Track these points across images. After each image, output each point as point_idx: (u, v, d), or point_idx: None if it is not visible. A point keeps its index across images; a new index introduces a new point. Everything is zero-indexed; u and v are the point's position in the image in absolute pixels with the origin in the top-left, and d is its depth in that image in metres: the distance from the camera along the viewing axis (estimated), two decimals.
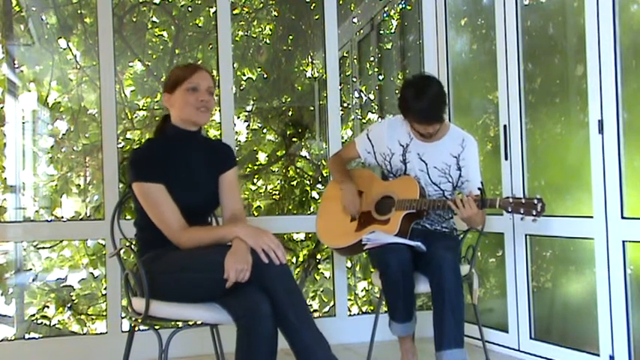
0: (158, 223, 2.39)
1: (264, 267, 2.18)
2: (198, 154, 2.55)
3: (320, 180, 4.76)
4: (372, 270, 3.18)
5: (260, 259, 2.19)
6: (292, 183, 4.80)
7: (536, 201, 2.72)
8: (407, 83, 3.02)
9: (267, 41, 4.94)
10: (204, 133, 2.66)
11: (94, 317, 4.19)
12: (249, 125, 4.81)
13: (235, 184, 2.63)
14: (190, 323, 2.35)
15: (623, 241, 2.99)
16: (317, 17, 4.62)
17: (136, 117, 4.46)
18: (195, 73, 2.46)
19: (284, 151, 4.80)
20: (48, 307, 4.10)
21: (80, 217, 4.20)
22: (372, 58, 5.31)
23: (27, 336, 4.01)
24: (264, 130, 4.85)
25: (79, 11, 4.28)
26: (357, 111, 5.12)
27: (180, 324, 2.35)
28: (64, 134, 4.24)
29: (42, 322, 4.03)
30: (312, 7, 4.82)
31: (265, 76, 4.87)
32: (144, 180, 2.39)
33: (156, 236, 2.40)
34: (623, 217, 2.99)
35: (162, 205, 2.38)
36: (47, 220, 4.12)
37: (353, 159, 3.39)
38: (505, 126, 3.67)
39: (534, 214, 2.72)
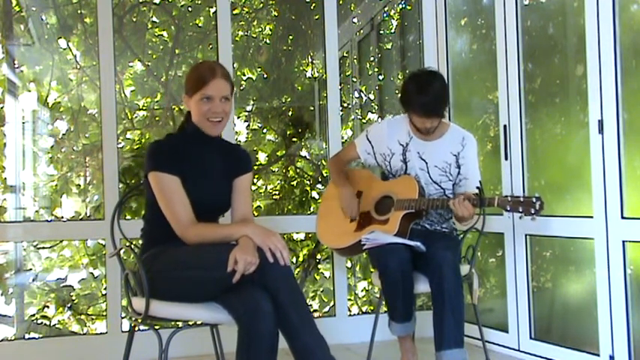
0: (168, 215, 2.40)
1: (268, 267, 2.19)
2: (216, 154, 2.57)
3: (320, 180, 4.76)
4: (372, 270, 3.18)
5: (265, 259, 2.19)
6: (292, 183, 4.80)
7: (534, 199, 2.72)
8: (411, 76, 3.03)
9: (267, 41, 4.94)
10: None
11: (94, 317, 4.18)
12: (249, 125, 4.81)
13: (248, 188, 2.65)
14: (190, 323, 2.35)
15: (623, 241, 2.99)
16: (317, 17, 4.62)
17: (136, 117, 4.46)
18: (212, 81, 2.44)
19: (284, 151, 4.80)
20: (48, 307, 4.10)
21: (80, 217, 4.20)
22: (372, 58, 5.31)
23: (27, 336, 4.01)
24: (264, 130, 4.84)
25: (79, 11, 4.28)
26: (357, 111, 5.12)
27: (180, 324, 2.35)
28: (64, 134, 4.24)
29: (42, 322, 4.03)
30: (312, 7, 4.82)
31: (265, 76, 4.87)
32: (160, 170, 2.40)
33: (161, 232, 2.42)
34: (623, 217, 2.99)
35: (175, 197, 2.39)
36: (47, 220, 4.12)
37: (353, 160, 3.39)
38: (505, 126, 3.67)
39: (533, 212, 2.72)
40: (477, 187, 2.88)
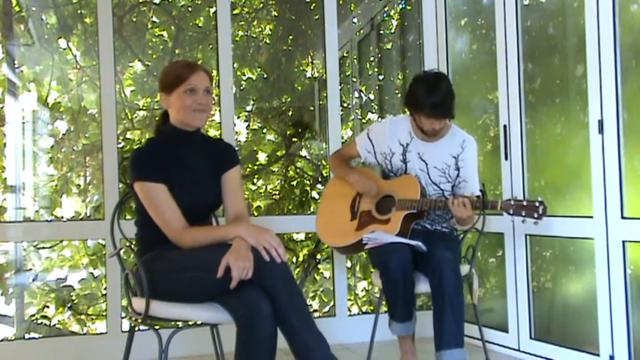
0: (159, 223, 2.39)
1: (265, 266, 2.18)
2: (199, 153, 2.54)
3: (320, 180, 4.76)
4: (372, 270, 3.18)
5: (261, 258, 2.19)
6: (292, 183, 4.80)
7: (537, 204, 2.72)
8: (417, 79, 3.02)
9: (267, 41, 4.94)
10: (203, 131, 2.66)
11: (94, 317, 4.18)
12: (249, 125, 4.81)
13: (238, 183, 2.62)
14: (190, 323, 2.35)
15: (623, 241, 2.99)
16: (317, 17, 4.62)
17: (136, 117, 4.46)
18: (193, 74, 2.44)
19: (284, 151, 4.80)
20: (48, 307, 4.09)
21: (80, 217, 4.20)
22: (372, 58, 5.31)
23: (27, 336, 4.00)
24: (264, 130, 4.84)
25: (79, 11, 4.28)
26: (357, 111, 5.12)
27: (180, 324, 2.35)
28: (64, 134, 4.24)
29: (42, 322, 4.03)
30: (312, 7, 4.82)
31: (265, 76, 4.87)
32: (145, 179, 2.39)
33: (156, 236, 2.40)
34: (623, 217, 2.99)
35: (164, 205, 2.38)
36: (47, 220, 4.12)
37: (353, 158, 3.39)
38: (505, 126, 3.67)
39: (536, 216, 2.71)
40: (480, 190, 2.88)
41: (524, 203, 2.75)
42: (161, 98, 2.51)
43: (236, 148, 2.84)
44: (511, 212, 2.77)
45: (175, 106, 2.46)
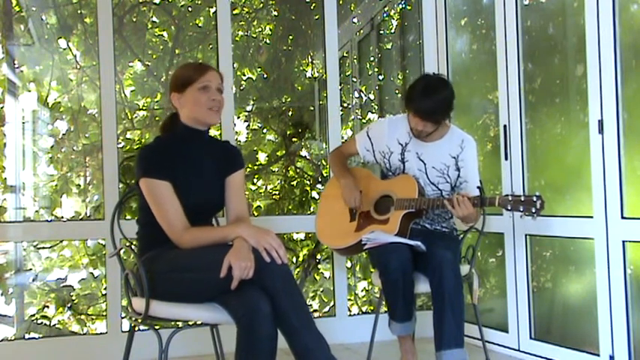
0: (161, 221, 2.39)
1: (265, 267, 2.18)
2: (207, 154, 2.55)
3: (320, 180, 4.76)
4: (372, 270, 3.18)
5: (262, 259, 2.19)
6: (292, 183, 4.80)
7: (535, 198, 2.72)
8: (423, 76, 3.06)
9: (267, 41, 4.94)
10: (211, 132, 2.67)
11: (94, 317, 4.19)
12: (249, 125, 4.81)
13: (242, 186, 2.63)
14: (190, 323, 2.35)
15: (623, 241, 2.99)
16: (317, 17, 4.62)
17: (136, 117, 4.46)
18: (206, 73, 2.47)
19: (284, 151, 4.80)
20: (48, 307, 4.10)
21: (80, 217, 4.20)
22: (372, 58, 5.31)
23: (27, 336, 4.01)
24: (264, 130, 4.85)
25: (79, 11, 4.28)
26: (357, 111, 5.13)
27: (180, 324, 2.35)
28: (64, 134, 4.24)
29: (42, 322, 4.03)
30: (312, 7, 4.82)
31: (265, 76, 4.87)
32: (151, 176, 2.39)
33: (157, 234, 2.41)
34: (623, 217, 2.99)
35: (167, 204, 2.38)
36: (47, 220, 4.12)
37: (352, 155, 3.39)
38: (505, 126, 3.67)
39: (533, 211, 2.72)
40: (478, 187, 2.88)
41: (522, 198, 2.75)
42: (172, 99, 2.52)
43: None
44: (509, 208, 2.77)
45: (189, 104, 2.47)
